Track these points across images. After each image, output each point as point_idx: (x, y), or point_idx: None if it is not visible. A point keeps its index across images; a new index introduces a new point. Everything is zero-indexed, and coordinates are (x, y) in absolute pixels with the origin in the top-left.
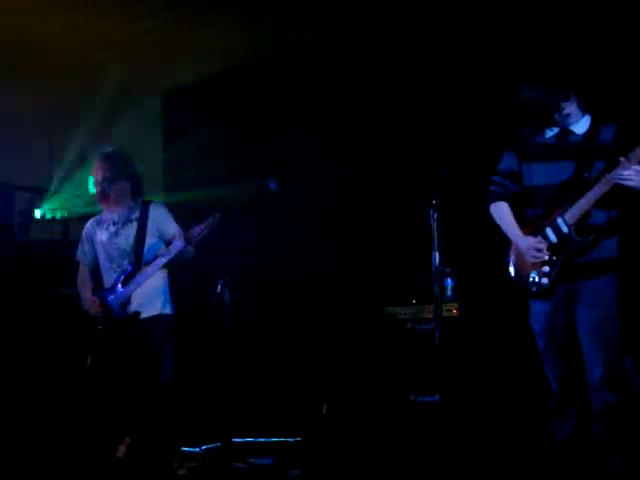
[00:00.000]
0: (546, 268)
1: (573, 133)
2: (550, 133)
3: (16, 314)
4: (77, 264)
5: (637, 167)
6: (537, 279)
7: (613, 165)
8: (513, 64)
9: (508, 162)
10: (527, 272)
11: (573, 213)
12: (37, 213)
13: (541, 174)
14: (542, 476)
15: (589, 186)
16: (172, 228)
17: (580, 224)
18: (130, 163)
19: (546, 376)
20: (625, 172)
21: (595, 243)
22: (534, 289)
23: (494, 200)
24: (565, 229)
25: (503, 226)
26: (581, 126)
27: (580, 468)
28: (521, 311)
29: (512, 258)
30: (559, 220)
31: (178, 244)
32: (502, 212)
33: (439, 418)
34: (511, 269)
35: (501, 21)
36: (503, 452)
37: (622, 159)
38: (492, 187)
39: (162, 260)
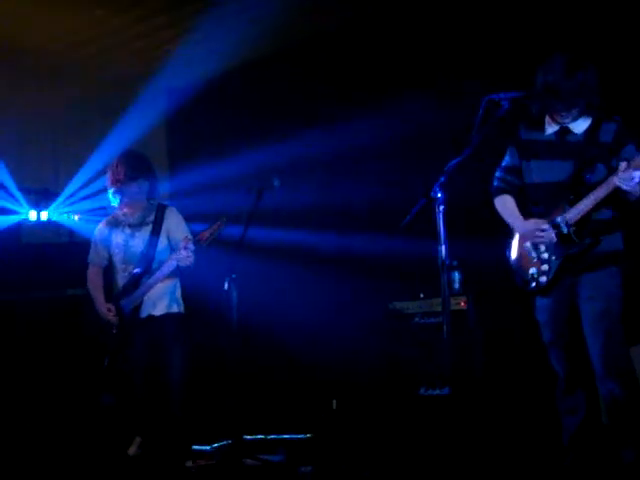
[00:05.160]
0: (545, 266)
1: (572, 132)
2: (550, 130)
3: (23, 316)
4: (86, 265)
5: (634, 173)
6: (536, 276)
7: (613, 165)
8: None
9: (509, 158)
10: (527, 267)
11: (574, 214)
12: (44, 215)
13: (540, 172)
14: (553, 468)
15: (591, 188)
16: (181, 236)
17: (580, 226)
18: (148, 164)
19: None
20: (624, 175)
21: (594, 245)
22: (532, 285)
23: (498, 194)
24: (565, 230)
25: (505, 215)
26: (580, 124)
27: (591, 460)
28: (528, 303)
29: (513, 251)
30: (559, 220)
31: (184, 250)
32: (505, 203)
33: (449, 411)
34: (512, 262)
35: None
36: (514, 444)
37: (623, 163)
38: (495, 183)
39: (171, 266)
